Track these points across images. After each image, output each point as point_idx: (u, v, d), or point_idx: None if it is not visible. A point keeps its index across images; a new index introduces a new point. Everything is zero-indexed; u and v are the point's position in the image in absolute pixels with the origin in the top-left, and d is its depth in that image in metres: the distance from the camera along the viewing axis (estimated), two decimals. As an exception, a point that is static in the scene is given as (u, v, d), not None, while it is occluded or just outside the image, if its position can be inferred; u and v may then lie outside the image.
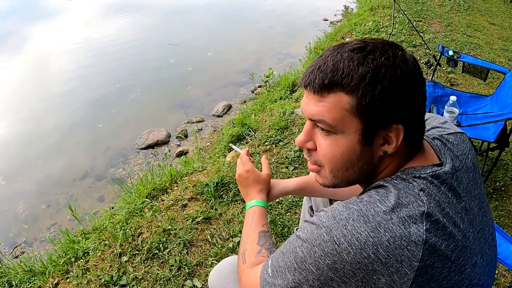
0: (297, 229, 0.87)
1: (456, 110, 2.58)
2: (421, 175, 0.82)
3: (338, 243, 0.76)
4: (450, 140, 0.95)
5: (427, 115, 1.05)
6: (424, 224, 0.76)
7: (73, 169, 4.03)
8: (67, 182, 3.87)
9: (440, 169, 0.84)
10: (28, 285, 2.26)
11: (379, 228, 0.75)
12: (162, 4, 8.61)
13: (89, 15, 8.02)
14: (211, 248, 2.33)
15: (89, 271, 2.24)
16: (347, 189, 1.37)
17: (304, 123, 3.22)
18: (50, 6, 8.68)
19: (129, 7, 8.46)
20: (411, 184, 0.81)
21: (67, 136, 4.55)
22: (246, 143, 3.32)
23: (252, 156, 2.98)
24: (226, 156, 3.24)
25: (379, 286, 0.76)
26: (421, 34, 4.95)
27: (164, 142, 4.29)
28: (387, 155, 0.85)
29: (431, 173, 0.83)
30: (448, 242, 0.78)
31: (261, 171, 1.37)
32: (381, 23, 5.61)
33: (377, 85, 0.77)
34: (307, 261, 0.81)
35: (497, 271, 2.09)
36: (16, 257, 3.05)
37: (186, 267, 2.21)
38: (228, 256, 2.26)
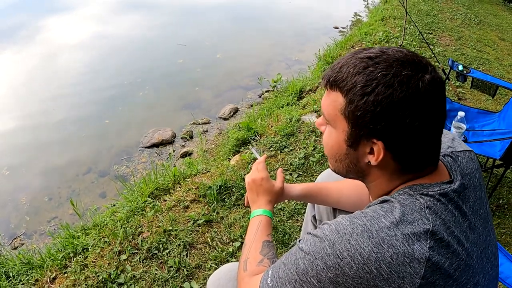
0: (299, 241, 0.87)
1: (464, 126, 2.57)
2: (429, 192, 0.82)
3: (341, 257, 0.77)
4: (460, 157, 0.95)
5: None
6: (428, 242, 0.76)
7: (77, 164, 4.03)
8: (70, 176, 3.88)
9: (449, 186, 0.84)
10: (25, 277, 2.25)
11: (382, 244, 0.75)
12: (172, 4, 8.63)
13: (100, 12, 8.04)
14: (211, 251, 2.33)
15: (87, 267, 2.24)
16: (351, 199, 1.38)
17: (310, 131, 3.20)
18: (61, 1, 8.73)
19: (140, 6, 8.48)
20: (417, 201, 0.81)
21: (73, 130, 4.56)
22: (252, 147, 3.31)
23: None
24: (230, 159, 3.24)
25: (380, 301, 0.76)
26: (431, 47, 4.94)
27: (169, 142, 4.30)
28: (372, 165, 0.87)
29: (439, 191, 0.83)
30: (452, 261, 0.78)
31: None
32: (391, 34, 5.60)
33: (364, 96, 0.80)
34: (308, 273, 0.81)
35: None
36: (15, 248, 3.05)
37: (185, 269, 2.21)
38: (227, 260, 2.26)
